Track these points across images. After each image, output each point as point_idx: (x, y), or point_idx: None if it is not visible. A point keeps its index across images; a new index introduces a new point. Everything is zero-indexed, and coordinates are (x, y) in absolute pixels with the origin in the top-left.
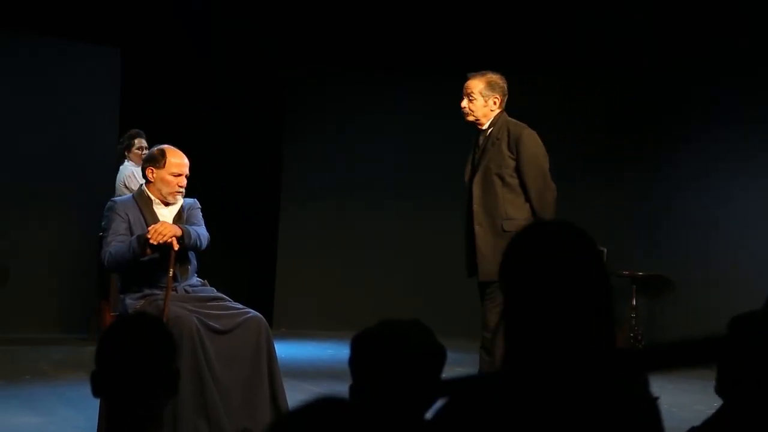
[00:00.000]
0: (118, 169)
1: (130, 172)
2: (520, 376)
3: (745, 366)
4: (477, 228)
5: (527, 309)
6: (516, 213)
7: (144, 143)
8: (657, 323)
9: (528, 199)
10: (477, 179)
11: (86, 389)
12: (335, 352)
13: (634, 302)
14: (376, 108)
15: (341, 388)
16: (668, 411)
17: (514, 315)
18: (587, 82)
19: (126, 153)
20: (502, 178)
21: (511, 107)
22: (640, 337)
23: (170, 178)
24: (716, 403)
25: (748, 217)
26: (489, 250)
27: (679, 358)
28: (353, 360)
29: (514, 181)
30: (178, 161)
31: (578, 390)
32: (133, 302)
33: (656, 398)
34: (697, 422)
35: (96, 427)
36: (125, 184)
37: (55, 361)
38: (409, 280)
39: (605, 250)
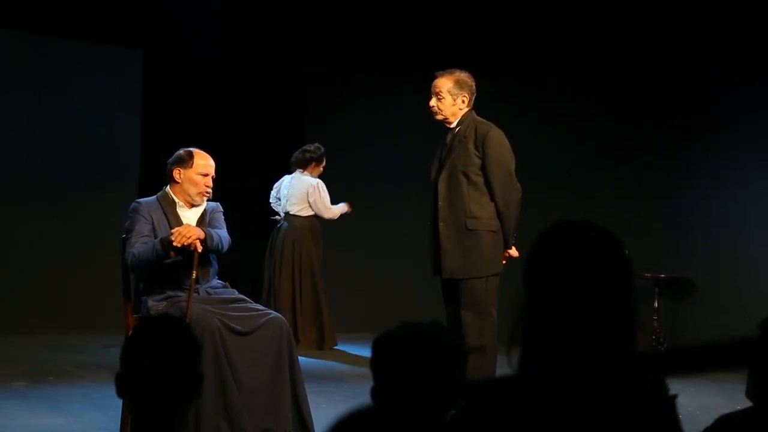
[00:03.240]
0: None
1: (317, 183)
2: (541, 379)
3: None
4: (441, 225)
5: (550, 310)
6: (480, 212)
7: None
8: (679, 326)
9: (493, 198)
10: (443, 177)
11: (110, 390)
12: (356, 353)
13: (656, 305)
14: (397, 108)
15: (362, 391)
16: (692, 414)
17: (536, 316)
18: (611, 84)
19: (314, 164)
20: (467, 176)
21: (532, 109)
22: (662, 340)
23: (198, 178)
24: (739, 405)
25: None
26: (452, 247)
27: (708, 360)
28: (375, 362)
29: (480, 180)
30: (204, 162)
31: (599, 393)
32: (155, 304)
33: (675, 396)
34: None
35: (119, 428)
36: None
37: (78, 362)
38: (430, 281)
39: (627, 252)
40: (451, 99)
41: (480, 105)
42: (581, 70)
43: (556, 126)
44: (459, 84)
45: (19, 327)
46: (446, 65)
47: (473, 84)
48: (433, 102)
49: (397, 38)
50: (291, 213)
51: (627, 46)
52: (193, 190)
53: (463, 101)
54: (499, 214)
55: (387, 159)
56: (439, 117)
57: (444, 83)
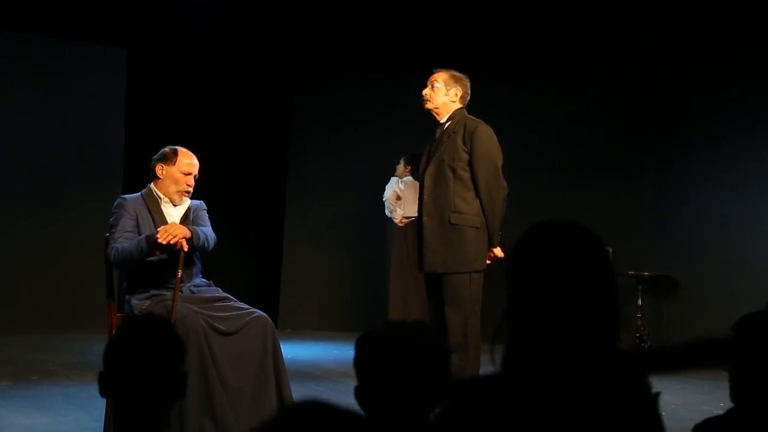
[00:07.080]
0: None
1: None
2: (525, 377)
3: (755, 369)
4: (425, 219)
5: (532, 308)
6: (465, 207)
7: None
8: (663, 324)
9: (478, 195)
10: (430, 171)
11: (94, 389)
12: (340, 352)
13: (640, 302)
14: (382, 109)
15: (346, 389)
16: (675, 411)
17: (519, 314)
18: (601, 84)
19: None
20: (454, 171)
21: (527, 108)
22: (645, 338)
23: (179, 176)
24: (722, 403)
25: (756, 218)
26: (436, 241)
27: (685, 360)
28: (358, 361)
29: (466, 175)
30: (188, 161)
31: (581, 390)
32: (139, 303)
33: (657, 394)
34: None
35: (103, 428)
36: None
37: (62, 361)
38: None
39: (611, 250)
40: (444, 89)
41: (470, 105)
42: (570, 71)
43: (545, 126)
44: (454, 78)
45: (1, 327)
46: (439, 66)
47: (468, 84)
48: (426, 91)
49: (387, 40)
50: (410, 216)
51: (615, 49)
52: (173, 188)
53: (456, 95)
54: (483, 210)
55: (391, 160)
56: (429, 105)
57: (440, 75)
